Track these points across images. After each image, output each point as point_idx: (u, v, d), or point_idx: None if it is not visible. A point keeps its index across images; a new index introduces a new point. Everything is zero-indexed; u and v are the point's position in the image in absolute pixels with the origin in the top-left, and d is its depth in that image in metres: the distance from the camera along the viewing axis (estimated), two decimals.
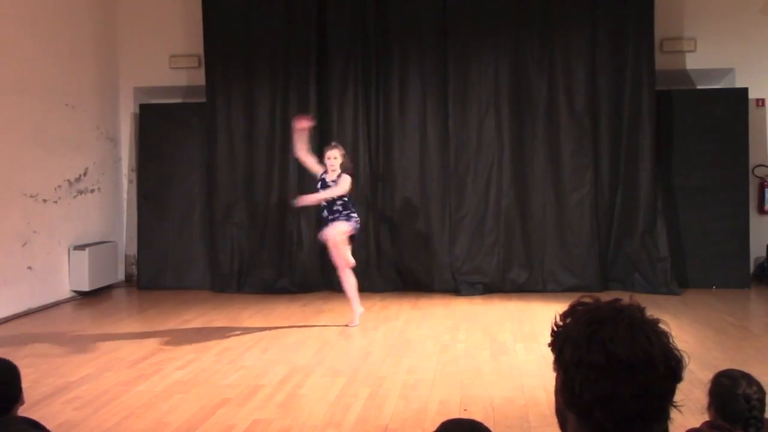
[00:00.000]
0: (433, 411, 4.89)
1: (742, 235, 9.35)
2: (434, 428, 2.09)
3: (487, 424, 1.86)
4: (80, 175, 9.61)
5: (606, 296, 1.38)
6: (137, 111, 10.50)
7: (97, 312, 8.65)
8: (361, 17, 9.58)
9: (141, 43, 10.42)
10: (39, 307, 8.64)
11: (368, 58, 9.62)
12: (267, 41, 9.72)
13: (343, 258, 7.40)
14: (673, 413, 1.34)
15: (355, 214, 7.49)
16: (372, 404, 5.06)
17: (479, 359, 6.20)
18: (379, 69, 9.64)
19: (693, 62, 9.79)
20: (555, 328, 1.37)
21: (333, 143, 7.86)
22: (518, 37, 9.36)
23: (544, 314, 7.81)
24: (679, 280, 9.13)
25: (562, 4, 9.31)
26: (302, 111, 9.62)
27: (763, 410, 2.63)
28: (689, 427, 2.67)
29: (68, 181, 9.36)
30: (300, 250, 9.64)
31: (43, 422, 2.89)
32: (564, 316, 1.37)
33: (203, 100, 9.97)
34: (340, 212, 7.37)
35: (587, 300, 1.37)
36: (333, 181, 7.38)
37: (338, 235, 7.31)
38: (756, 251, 9.50)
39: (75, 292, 9.34)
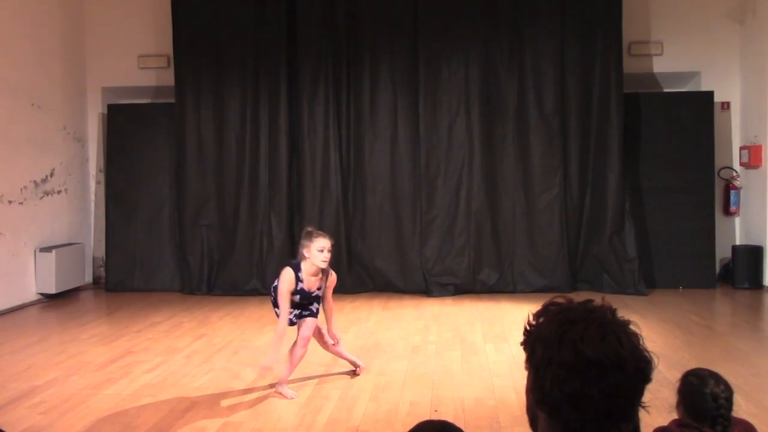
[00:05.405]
0: (403, 412, 4.89)
1: (708, 236, 9.50)
2: (405, 429, 2.09)
3: (458, 424, 1.86)
4: (47, 176, 9.47)
5: (578, 297, 1.39)
6: (105, 111, 10.38)
7: (63, 315, 8.52)
8: (332, 18, 9.56)
9: (109, 43, 10.30)
10: (4, 309, 8.49)
11: (339, 59, 9.60)
12: (237, 41, 9.66)
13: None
14: (641, 413, 1.36)
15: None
16: (343, 406, 5.05)
17: (450, 360, 6.22)
18: (349, 69, 9.62)
19: (660, 65, 9.93)
20: (527, 327, 1.38)
21: (316, 231, 5.46)
22: (488, 39, 9.41)
23: (514, 315, 7.88)
24: (647, 281, 9.24)
25: (532, 6, 9.37)
26: (273, 111, 9.61)
27: (730, 409, 2.67)
28: (657, 425, 2.70)
29: (34, 182, 9.22)
30: (270, 251, 9.60)
31: (6, 428, 2.83)
32: (537, 315, 1.38)
33: (172, 100, 9.88)
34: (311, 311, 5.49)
35: (560, 300, 1.39)
36: (319, 289, 5.38)
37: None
38: (721, 252, 9.65)
39: (41, 294, 9.19)
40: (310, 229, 5.45)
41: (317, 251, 5.23)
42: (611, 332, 1.30)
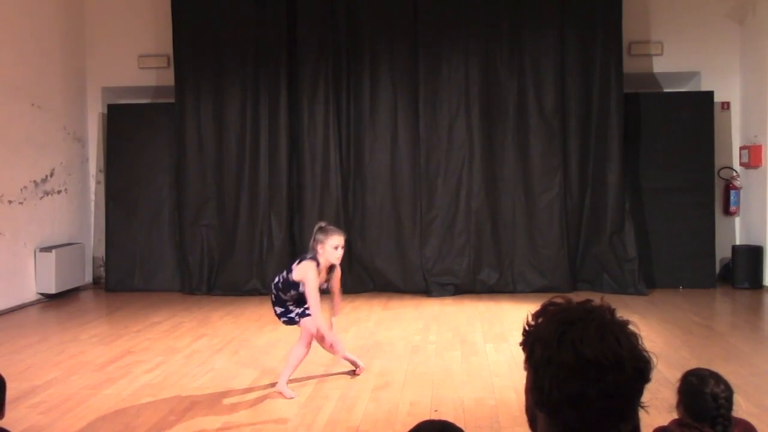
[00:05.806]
0: (404, 412, 4.89)
1: (708, 235, 9.49)
2: (405, 429, 2.09)
3: (458, 424, 1.86)
4: (47, 176, 9.47)
5: (577, 297, 1.38)
6: (105, 111, 10.38)
7: (63, 314, 8.52)
8: (332, 18, 9.56)
9: (109, 43, 10.30)
10: (4, 309, 8.49)
11: (339, 59, 9.60)
12: (237, 41, 9.66)
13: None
14: (640, 413, 1.36)
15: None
16: (343, 406, 5.05)
17: (450, 360, 6.21)
18: (349, 69, 9.62)
19: (660, 65, 9.92)
20: (527, 328, 1.38)
21: (330, 226, 5.44)
22: (488, 39, 9.41)
23: (514, 315, 7.88)
24: (647, 281, 9.24)
25: (532, 6, 9.37)
26: (273, 111, 9.63)
27: (730, 408, 2.67)
28: (657, 425, 2.71)
29: (34, 182, 9.22)
30: (270, 251, 9.60)
31: (7, 427, 2.83)
32: (536, 315, 1.38)
33: (172, 100, 9.88)
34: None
35: (559, 300, 1.38)
36: (326, 282, 5.40)
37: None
38: (721, 252, 9.65)
39: (41, 294, 9.19)
40: (323, 224, 5.39)
41: (332, 248, 5.21)
42: (610, 332, 1.30)
